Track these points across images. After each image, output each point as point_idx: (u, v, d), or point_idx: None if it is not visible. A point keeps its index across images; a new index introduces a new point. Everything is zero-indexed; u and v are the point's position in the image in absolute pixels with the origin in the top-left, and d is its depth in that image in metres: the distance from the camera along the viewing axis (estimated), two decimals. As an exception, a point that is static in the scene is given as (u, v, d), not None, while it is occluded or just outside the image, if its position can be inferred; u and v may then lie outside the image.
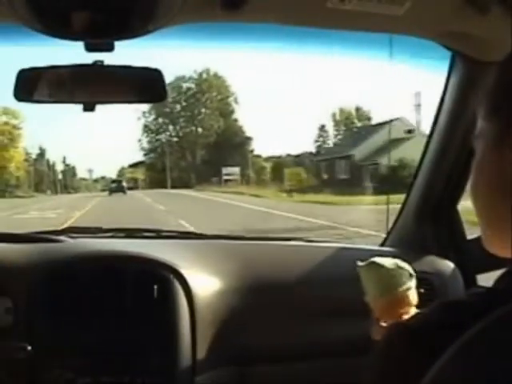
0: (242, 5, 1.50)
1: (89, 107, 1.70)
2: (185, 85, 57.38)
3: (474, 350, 0.63)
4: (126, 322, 1.85)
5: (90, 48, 1.60)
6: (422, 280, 1.86)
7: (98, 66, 1.66)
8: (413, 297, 1.46)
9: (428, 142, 2.16)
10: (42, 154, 56.07)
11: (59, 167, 60.78)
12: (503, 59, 0.85)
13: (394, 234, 2.32)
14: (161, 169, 56.88)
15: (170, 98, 54.38)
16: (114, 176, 58.82)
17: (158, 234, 2.39)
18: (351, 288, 2.08)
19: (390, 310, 1.42)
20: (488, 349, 0.62)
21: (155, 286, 1.85)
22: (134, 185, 55.05)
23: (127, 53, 1.74)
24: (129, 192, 40.18)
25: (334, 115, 52.98)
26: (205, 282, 1.95)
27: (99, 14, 1.47)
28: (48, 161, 57.90)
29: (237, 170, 46.78)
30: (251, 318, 1.97)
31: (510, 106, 0.77)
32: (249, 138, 55.92)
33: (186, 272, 1.90)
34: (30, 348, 1.76)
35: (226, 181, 44.80)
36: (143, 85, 1.71)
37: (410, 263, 2.14)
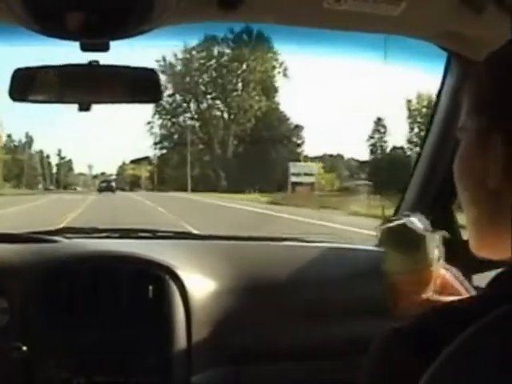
0: (238, 5, 1.50)
1: (84, 107, 1.70)
2: (216, 48, 40.15)
3: (467, 353, 0.63)
4: (122, 322, 1.84)
5: (85, 48, 1.60)
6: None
7: (93, 65, 1.66)
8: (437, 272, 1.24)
9: (423, 143, 2.17)
10: (28, 142, 50.29)
11: (54, 160, 55.78)
12: (487, 56, 0.86)
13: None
14: (176, 163, 43.07)
15: (196, 63, 41.98)
16: (114, 171, 54.07)
17: (154, 234, 2.39)
18: (346, 288, 2.10)
19: (413, 284, 1.22)
20: (480, 352, 0.62)
21: (150, 286, 1.84)
22: (134, 184, 47.50)
23: (123, 52, 1.73)
24: (126, 194, 35.23)
25: (408, 103, 36.74)
26: (200, 282, 1.94)
27: (95, 14, 1.47)
28: (42, 152, 52.56)
29: (313, 167, 33.08)
30: (247, 318, 1.97)
31: (494, 103, 0.79)
32: (298, 128, 40.46)
33: (182, 272, 1.90)
34: (25, 348, 1.75)
35: (295, 185, 29.94)
36: (138, 85, 1.70)
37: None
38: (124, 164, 53.44)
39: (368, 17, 1.58)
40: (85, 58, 1.64)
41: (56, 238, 2.10)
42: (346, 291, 2.08)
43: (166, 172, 44.22)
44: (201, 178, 40.10)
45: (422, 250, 1.22)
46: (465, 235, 2.16)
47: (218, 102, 43.50)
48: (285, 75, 41.43)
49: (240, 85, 42.51)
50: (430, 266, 1.22)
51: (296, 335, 2.00)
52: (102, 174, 56.11)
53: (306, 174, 31.38)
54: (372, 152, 39.38)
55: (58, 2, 1.42)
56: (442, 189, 2.13)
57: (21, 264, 1.90)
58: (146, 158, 48.20)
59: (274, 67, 41.61)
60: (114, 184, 40.94)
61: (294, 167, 31.46)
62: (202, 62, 41.99)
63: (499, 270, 0.76)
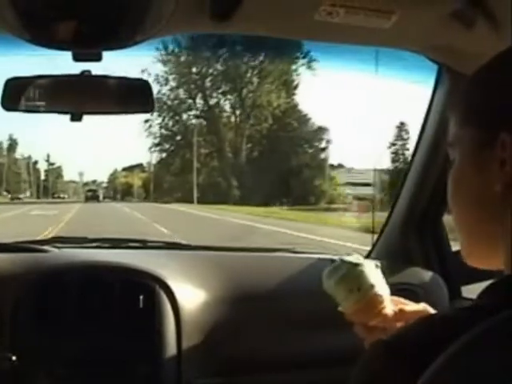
0: (230, 16, 1.51)
1: (76, 117, 1.70)
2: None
3: (460, 363, 0.63)
4: (112, 332, 1.84)
5: (77, 58, 1.60)
6: (407, 291, 1.87)
7: (85, 75, 1.66)
8: (381, 297, 1.24)
9: (414, 155, 2.18)
10: (12, 145, 46.94)
11: (43, 166, 53.03)
12: (477, 68, 0.88)
13: (379, 246, 2.33)
14: (180, 168, 36.61)
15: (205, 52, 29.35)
16: (105, 179, 52.56)
17: (144, 245, 2.39)
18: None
19: (364, 311, 1.25)
20: (473, 362, 0.62)
21: (141, 297, 1.84)
22: (127, 193, 44.00)
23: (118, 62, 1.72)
24: (114, 207, 30.32)
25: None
26: (191, 293, 1.94)
27: (87, 24, 1.47)
28: (30, 158, 49.96)
29: (370, 175, 23.95)
30: (237, 329, 1.96)
31: (489, 114, 0.79)
32: (322, 130, 33.71)
33: (172, 282, 1.90)
34: (14, 358, 1.74)
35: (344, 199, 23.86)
36: (131, 95, 1.71)
37: (395, 275, 2.14)
38: (116, 171, 50.47)
39: (359, 30, 1.59)
40: (77, 68, 1.65)
41: (46, 247, 2.10)
42: (335, 302, 2.08)
43: (165, 179, 38.07)
44: (209, 187, 33.82)
45: (359, 279, 1.25)
46: (454, 247, 2.18)
47: (229, 97, 36.24)
48: (309, 67, 32.14)
49: (256, 77, 35.23)
50: (371, 291, 1.24)
51: (286, 346, 2.00)
52: (93, 181, 54.93)
53: (362, 185, 24.09)
54: (394, 161, 33.50)
55: (50, 12, 1.42)
56: (431, 201, 2.14)
57: (10, 273, 1.89)
58: (139, 166, 44.66)
59: (296, 57, 31.16)
60: (100, 193, 41.24)
61: (347, 174, 24.43)
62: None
63: (490, 281, 0.76)
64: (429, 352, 0.66)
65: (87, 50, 1.61)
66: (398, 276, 2.13)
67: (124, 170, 48.82)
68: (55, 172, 54.07)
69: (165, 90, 36.15)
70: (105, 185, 53.38)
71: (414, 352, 0.69)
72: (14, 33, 1.51)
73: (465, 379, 0.61)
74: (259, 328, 2.00)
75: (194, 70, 35.84)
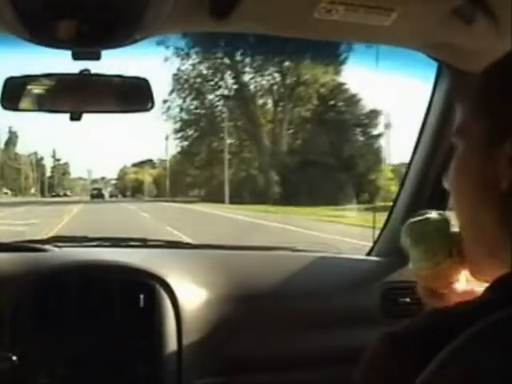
0: (229, 14, 1.51)
1: (75, 116, 1.69)
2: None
3: (463, 357, 0.63)
4: (112, 332, 1.84)
5: (76, 56, 1.60)
6: (409, 289, 1.87)
7: (84, 74, 1.66)
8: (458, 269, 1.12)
9: (414, 151, 2.17)
10: (11, 139, 42.52)
11: (48, 163, 49.93)
12: (498, 61, 0.84)
13: (380, 243, 2.32)
14: (206, 160, 29.45)
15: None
16: (114, 175, 50.84)
17: (145, 243, 2.38)
18: (337, 297, 2.10)
19: (437, 278, 1.14)
20: (476, 357, 0.62)
21: (141, 296, 1.84)
22: (137, 190, 41.47)
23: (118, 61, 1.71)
24: (122, 207, 25.82)
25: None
26: (191, 292, 1.94)
27: (86, 23, 1.47)
28: (36, 153, 46.95)
29: None
30: (238, 328, 1.96)
31: (504, 109, 0.77)
32: (376, 113, 25.85)
33: (172, 281, 1.90)
34: (15, 358, 1.74)
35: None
36: (130, 94, 1.70)
37: (396, 272, 2.14)
38: (125, 167, 47.86)
39: (359, 27, 1.59)
40: (77, 66, 1.64)
41: (46, 246, 2.10)
42: (336, 300, 2.08)
43: (187, 173, 31.38)
44: (241, 183, 26.95)
45: (443, 238, 1.11)
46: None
47: (265, 72, 28.49)
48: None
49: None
50: (451, 259, 1.09)
51: (288, 345, 2.00)
52: (102, 178, 52.88)
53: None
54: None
55: (49, 11, 1.42)
56: (432, 198, 2.14)
57: (10, 273, 1.89)
58: (149, 161, 41.37)
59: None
60: (105, 192, 41.36)
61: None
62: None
63: (496, 276, 0.76)
64: (434, 345, 0.66)
65: (86, 49, 1.60)
66: (398, 273, 2.13)
67: (134, 165, 45.86)
68: (61, 169, 51.57)
69: (186, 65, 28.60)
70: (113, 182, 51.67)
71: (419, 344, 0.69)
72: (13, 32, 1.51)
73: (468, 374, 0.61)
74: (260, 327, 1.99)
75: (221, 43, 25.40)
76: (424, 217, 1.14)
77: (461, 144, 0.84)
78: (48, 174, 49.65)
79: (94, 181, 52.28)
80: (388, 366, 0.71)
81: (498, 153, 0.76)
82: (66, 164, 52.13)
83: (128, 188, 45.01)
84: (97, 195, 39.08)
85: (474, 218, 0.83)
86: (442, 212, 1.14)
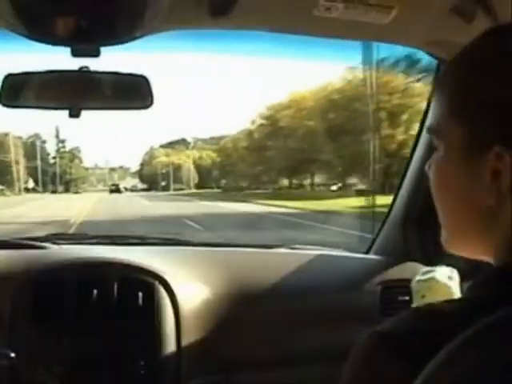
0: (229, 12, 1.51)
1: (74, 113, 1.69)
2: None
3: (460, 360, 0.62)
4: (111, 329, 1.83)
5: (76, 53, 1.60)
6: (407, 287, 1.87)
7: (83, 71, 1.66)
8: None
9: (413, 150, 2.17)
10: None
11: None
12: (459, 55, 0.83)
13: (378, 242, 2.32)
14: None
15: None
16: (136, 163, 45.79)
17: (143, 241, 2.38)
18: (336, 295, 2.10)
19: None
20: (473, 360, 0.62)
21: (140, 293, 1.84)
22: (173, 178, 33.34)
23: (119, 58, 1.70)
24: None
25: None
26: (190, 289, 1.94)
27: (85, 20, 1.47)
28: (38, 136, 38.83)
29: None
30: (237, 326, 1.96)
31: (485, 111, 0.71)
32: None
33: (171, 279, 1.89)
34: (13, 355, 1.74)
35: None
36: (129, 91, 1.70)
37: (394, 271, 2.14)
38: (152, 149, 39.52)
39: (358, 25, 1.59)
40: (76, 64, 1.64)
41: (45, 244, 2.09)
42: (335, 298, 2.08)
43: (259, 155, 23.26)
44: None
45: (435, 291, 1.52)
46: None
47: None
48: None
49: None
50: None
51: (287, 342, 2.00)
52: (121, 167, 47.66)
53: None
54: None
55: (48, 7, 1.41)
56: (431, 197, 2.13)
57: (9, 270, 1.89)
58: (183, 141, 35.15)
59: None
60: (121, 187, 40.61)
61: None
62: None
63: (481, 274, 0.75)
64: (419, 342, 0.66)
65: (85, 46, 1.60)
66: (397, 272, 2.13)
67: (162, 146, 37.65)
68: (68, 156, 41.75)
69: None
70: (133, 170, 44.60)
71: (408, 342, 0.68)
72: (12, 28, 1.51)
73: (465, 377, 0.61)
74: (259, 325, 1.99)
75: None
76: (431, 275, 1.38)
77: (440, 146, 0.79)
78: (51, 161, 41.19)
79: (113, 169, 46.72)
80: (377, 364, 0.70)
81: (480, 165, 0.71)
82: (76, 149, 42.71)
83: (158, 176, 37.13)
84: (115, 190, 39.16)
85: (457, 227, 0.82)
86: (450, 269, 1.35)
